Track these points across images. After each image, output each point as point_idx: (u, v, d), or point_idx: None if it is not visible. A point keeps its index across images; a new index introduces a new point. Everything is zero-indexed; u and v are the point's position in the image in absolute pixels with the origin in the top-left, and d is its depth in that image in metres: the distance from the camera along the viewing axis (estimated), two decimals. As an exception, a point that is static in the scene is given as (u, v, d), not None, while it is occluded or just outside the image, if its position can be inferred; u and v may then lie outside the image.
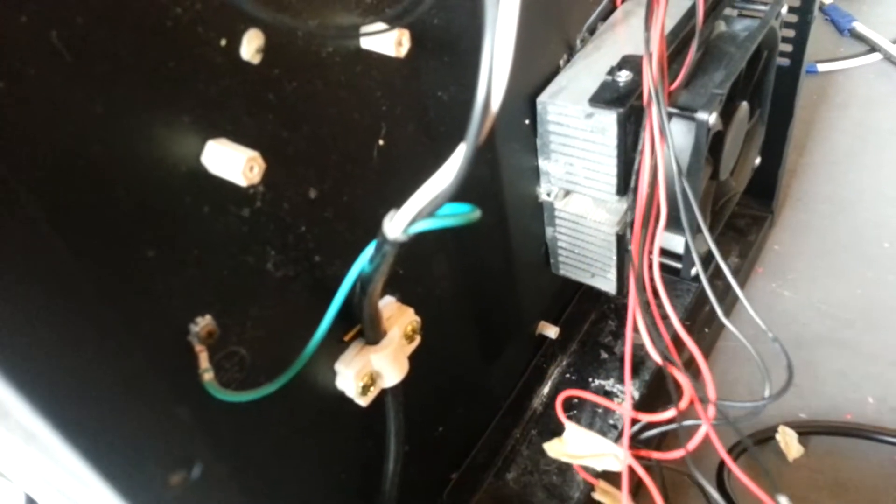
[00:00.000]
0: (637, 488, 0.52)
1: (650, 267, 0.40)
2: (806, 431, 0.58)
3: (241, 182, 0.26)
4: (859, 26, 0.94)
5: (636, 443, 0.43)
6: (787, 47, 0.59)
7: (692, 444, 0.37)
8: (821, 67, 0.90)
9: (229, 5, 0.24)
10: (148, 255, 0.25)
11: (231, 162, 0.26)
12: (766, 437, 0.58)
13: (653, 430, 0.43)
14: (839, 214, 0.74)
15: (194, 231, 0.27)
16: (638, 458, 0.41)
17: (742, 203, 0.72)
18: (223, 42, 0.25)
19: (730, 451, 0.54)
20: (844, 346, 0.63)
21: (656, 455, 0.42)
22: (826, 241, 0.72)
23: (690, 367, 0.55)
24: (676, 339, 0.40)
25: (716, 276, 0.66)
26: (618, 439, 0.49)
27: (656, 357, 0.37)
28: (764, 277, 0.70)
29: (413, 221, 0.23)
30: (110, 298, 0.24)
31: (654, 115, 0.35)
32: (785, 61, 0.60)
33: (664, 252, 0.48)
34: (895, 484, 0.54)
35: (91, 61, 0.22)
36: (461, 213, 0.22)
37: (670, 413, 0.39)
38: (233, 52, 0.26)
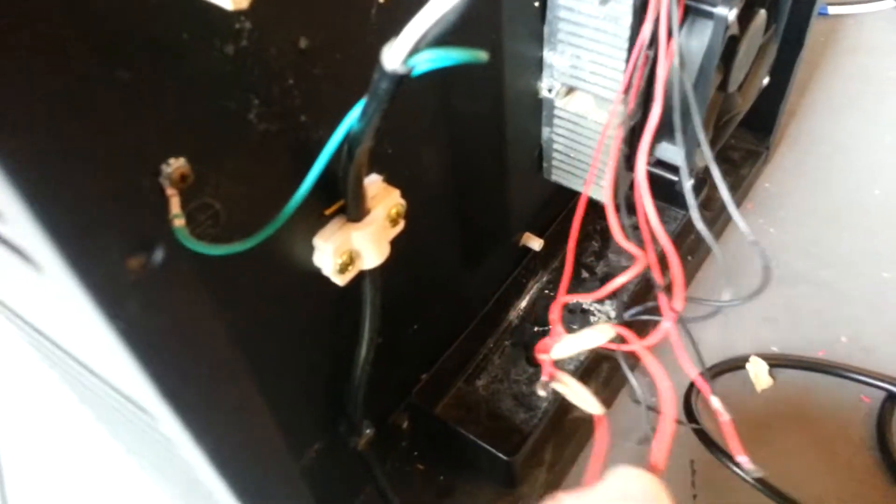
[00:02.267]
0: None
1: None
2: (776, 364, 0.58)
3: (228, 6, 0.23)
4: (876, -30, 0.91)
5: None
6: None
7: (653, 337, 0.36)
8: (832, 10, 0.87)
9: None
10: (119, 75, 0.23)
11: (217, -22, 0.23)
12: (736, 366, 0.58)
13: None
14: (834, 158, 0.73)
15: (172, 59, 0.25)
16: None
17: (738, 136, 0.71)
18: None
19: (701, 374, 0.54)
20: (823, 286, 0.63)
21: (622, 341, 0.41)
22: (818, 184, 0.71)
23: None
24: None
25: (705, 206, 0.66)
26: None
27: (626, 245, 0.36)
28: (753, 214, 0.69)
29: (415, 49, 0.21)
30: (77, 113, 0.22)
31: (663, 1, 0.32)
32: (802, -12, 0.57)
33: (660, 164, 0.46)
34: (859, 421, 0.55)
35: None
36: (467, 51, 0.20)
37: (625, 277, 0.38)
38: None
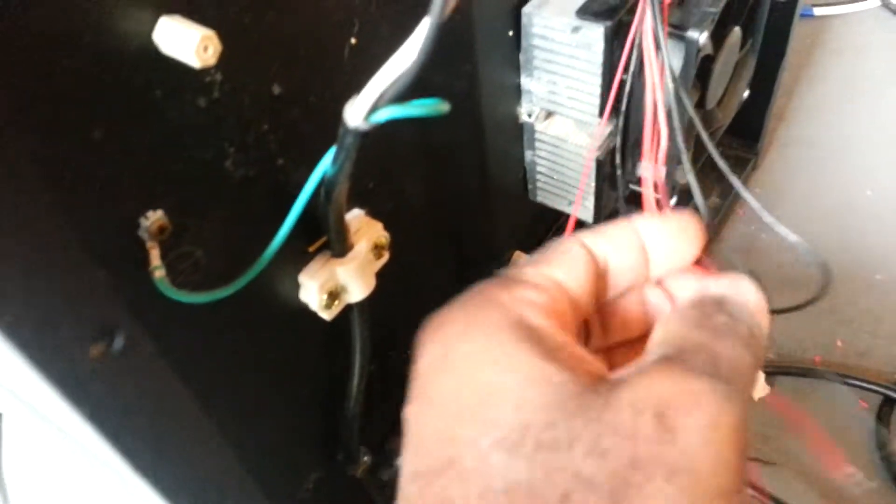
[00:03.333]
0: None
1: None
2: (773, 371, 0.58)
3: (195, 63, 0.24)
4: (859, -30, 0.91)
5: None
6: (785, -20, 0.57)
7: None
8: (817, 11, 0.87)
9: None
10: (94, 136, 0.24)
11: (184, 39, 0.24)
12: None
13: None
14: (824, 160, 0.73)
15: (145, 115, 0.25)
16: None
17: (726, 143, 0.71)
18: None
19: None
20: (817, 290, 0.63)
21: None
22: (809, 186, 0.71)
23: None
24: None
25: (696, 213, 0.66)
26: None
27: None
28: (744, 220, 0.69)
29: (375, 106, 0.21)
30: (51, 179, 0.22)
31: (648, 26, 0.33)
32: (782, -4, 0.58)
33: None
34: (857, 425, 0.55)
35: None
36: (426, 105, 0.21)
37: None
38: (188, -82, 0.24)
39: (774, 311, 0.24)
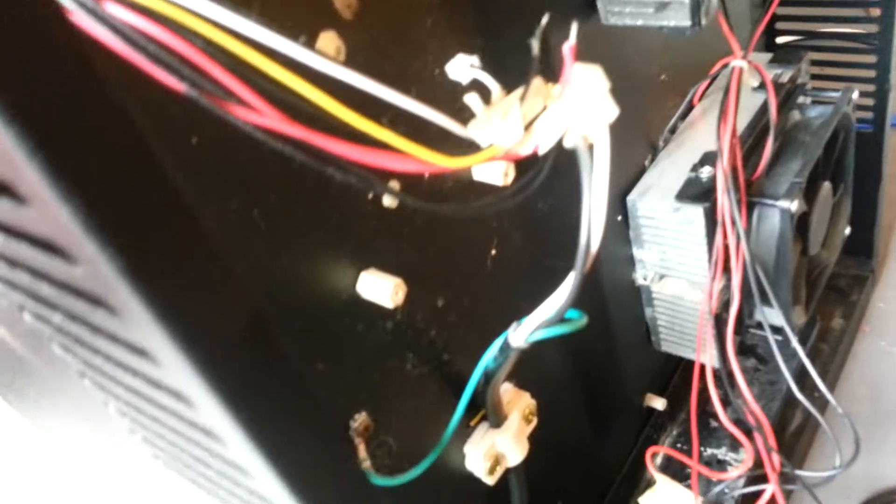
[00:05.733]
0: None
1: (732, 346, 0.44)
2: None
3: (389, 304, 0.32)
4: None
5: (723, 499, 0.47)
6: (868, 114, 0.61)
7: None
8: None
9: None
10: (319, 368, 0.32)
11: (381, 288, 0.32)
12: (889, 501, 0.57)
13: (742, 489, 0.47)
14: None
15: (352, 345, 0.33)
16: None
17: (842, 263, 0.73)
18: (370, 195, 0.32)
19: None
20: (965, 404, 0.62)
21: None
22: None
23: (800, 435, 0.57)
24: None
25: (821, 339, 0.68)
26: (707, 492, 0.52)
27: (728, 425, 0.41)
28: (871, 336, 0.70)
29: (532, 333, 0.28)
30: (296, 403, 0.30)
31: (725, 206, 0.39)
32: (868, 126, 0.62)
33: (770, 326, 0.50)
34: None
35: (278, 226, 0.29)
36: (571, 322, 0.27)
37: (736, 472, 0.42)
38: (378, 202, 0.32)
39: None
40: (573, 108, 0.22)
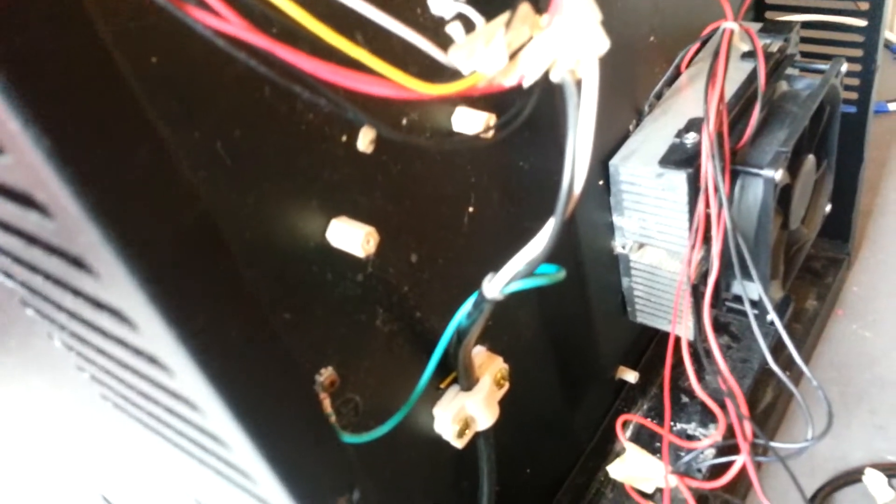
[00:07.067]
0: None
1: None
2: (894, 474, 0.57)
3: (360, 254, 0.31)
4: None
5: (692, 469, 0.47)
6: (853, 95, 0.61)
7: (727, 476, 0.40)
8: (891, 106, 0.90)
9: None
10: (285, 318, 0.30)
11: (351, 236, 0.30)
12: (853, 480, 0.58)
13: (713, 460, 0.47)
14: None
15: (320, 296, 0.32)
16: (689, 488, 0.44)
17: (818, 245, 0.73)
18: (344, 138, 0.30)
19: (815, 495, 0.55)
20: (932, 387, 0.62)
21: (695, 484, 0.45)
22: (907, 281, 0.71)
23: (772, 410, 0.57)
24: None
25: (795, 319, 0.68)
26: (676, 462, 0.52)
27: (701, 393, 0.41)
28: (844, 319, 0.70)
29: (508, 283, 0.27)
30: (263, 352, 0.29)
31: (709, 172, 0.38)
32: (852, 108, 0.61)
33: (739, 299, 0.50)
34: None
35: (244, 163, 0.27)
36: (548, 274, 0.26)
37: (708, 441, 0.42)
38: (351, 146, 0.31)
39: None
40: (562, 38, 0.21)
